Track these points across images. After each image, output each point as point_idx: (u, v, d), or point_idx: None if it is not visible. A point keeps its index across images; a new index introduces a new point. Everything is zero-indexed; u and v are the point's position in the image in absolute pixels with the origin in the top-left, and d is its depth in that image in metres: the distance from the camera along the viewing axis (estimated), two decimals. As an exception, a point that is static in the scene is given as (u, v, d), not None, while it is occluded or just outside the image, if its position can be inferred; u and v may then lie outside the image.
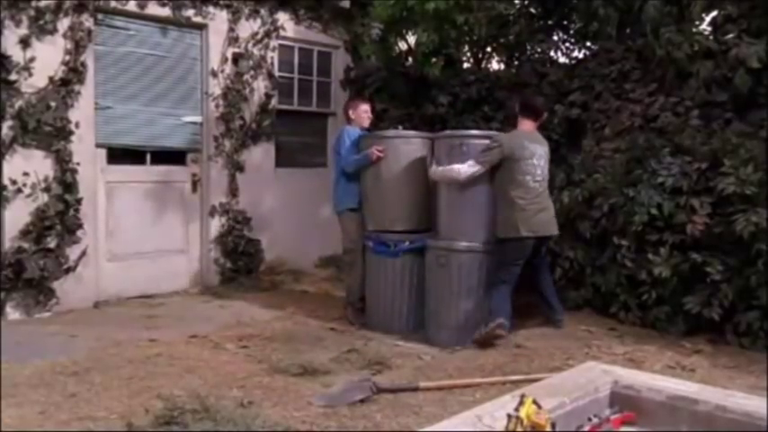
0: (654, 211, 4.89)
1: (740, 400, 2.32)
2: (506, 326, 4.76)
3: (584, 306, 5.59)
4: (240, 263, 6.84)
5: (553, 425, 1.98)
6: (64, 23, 5.53)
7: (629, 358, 4.45)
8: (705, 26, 5.54)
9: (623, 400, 2.44)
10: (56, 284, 5.55)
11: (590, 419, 2.19)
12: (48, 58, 5.44)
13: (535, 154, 4.88)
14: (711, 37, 5.30)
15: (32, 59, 5.35)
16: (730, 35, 5.15)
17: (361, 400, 3.65)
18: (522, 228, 4.79)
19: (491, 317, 4.76)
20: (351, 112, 5.76)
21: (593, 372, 2.60)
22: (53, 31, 5.47)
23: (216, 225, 6.73)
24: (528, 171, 4.84)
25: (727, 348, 4.65)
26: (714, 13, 5.47)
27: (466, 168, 4.82)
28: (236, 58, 6.73)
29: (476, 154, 4.83)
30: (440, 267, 4.96)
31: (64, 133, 5.55)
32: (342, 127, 5.99)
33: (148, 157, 6.33)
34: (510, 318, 4.85)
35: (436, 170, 5.02)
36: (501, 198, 4.88)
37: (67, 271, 5.62)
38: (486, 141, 4.90)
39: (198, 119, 6.61)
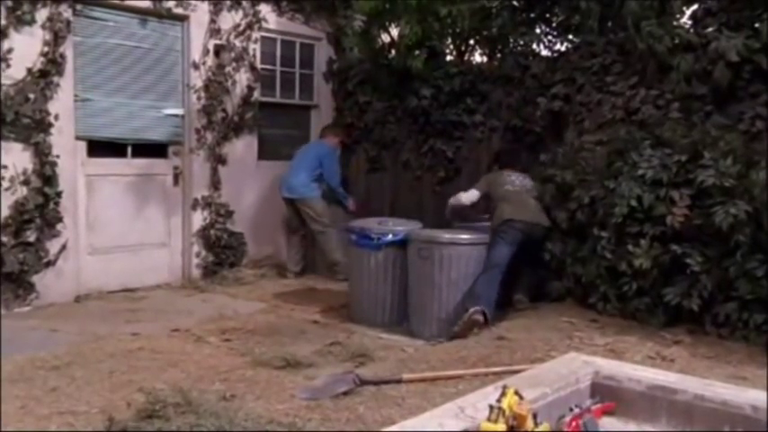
0: (634, 203, 4.93)
1: (718, 390, 2.36)
2: (484, 311, 4.81)
3: (567, 297, 5.62)
4: (223, 256, 6.82)
5: (535, 415, 2.00)
6: (42, 14, 5.45)
7: (610, 349, 4.49)
8: (686, 20, 5.57)
9: (604, 391, 2.47)
10: (35, 278, 5.50)
11: (571, 410, 2.21)
12: (26, 49, 5.36)
13: (510, 177, 5.55)
14: (692, 30, 5.34)
15: (10, 50, 5.27)
16: (710, 29, 5.19)
17: (345, 393, 3.66)
18: (507, 214, 5.18)
19: (473, 300, 4.84)
20: (332, 139, 7.14)
21: (574, 363, 2.62)
22: (31, 22, 5.39)
23: (198, 218, 6.70)
24: (506, 183, 5.50)
25: (707, 339, 4.70)
26: (694, 7, 5.50)
27: (467, 195, 5.55)
28: (218, 50, 6.68)
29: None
30: (422, 260, 4.97)
31: (43, 125, 5.48)
32: (334, 148, 7.12)
33: (129, 149, 6.26)
34: (492, 306, 4.92)
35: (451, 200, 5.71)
36: (492, 211, 5.39)
37: (47, 265, 5.57)
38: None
39: (179, 111, 6.56)
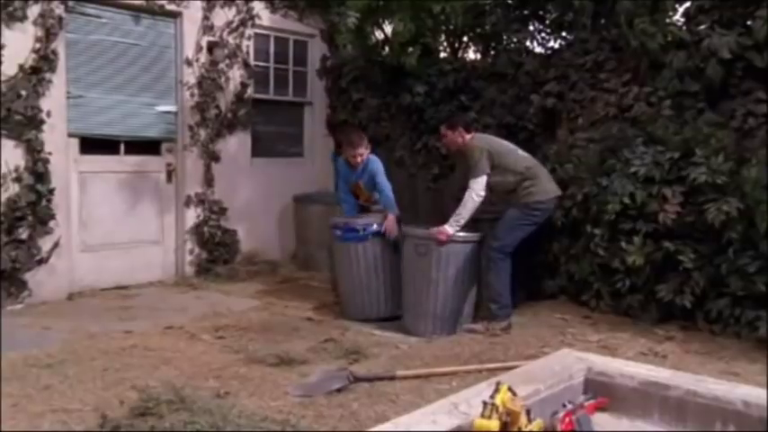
0: (626, 200, 4.95)
1: (710, 385, 2.36)
2: (509, 323, 4.93)
3: (560, 294, 5.64)
4: (216, 253, 6.80)
5: (528, 412, 2.00)
6: (34, 10, 5.42)
7: (603, 345, 4.51)
8: (678, 17, 5.59)
9: (597, 387, 2.47)
10: (28, 276, 5.47)
11: (564, 406, 2.21)
12: (17, 45, 5.33)
13: (504, 142, 5.34)
14: (684, 28, 5.35)
15: (2, 47, 5.24)
16: (703, 26, 5.21)
17: (338, 390, 3.66)
18: (547, 191, 5.06)
19: (496, 302, 4.92)
20: (343, 148, 5.84)
21: (567, 359, 2.63)
22: (23, 18, 5.36)
23: (191, 215, 6.68)
24: (516, 149, 5.24)
25: (699, 335, 4.73)
26: (687, 4, 5.52)
27: (478, 189, 4.92)
28: (211, 47, 6.66)
29: (474, 169, 4.97)
30: (419, 256, 4.96)
31: (35, 122, 5.46)
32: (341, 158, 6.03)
33: (122, 146, 6.24)
34: (510, 303, 4.99)
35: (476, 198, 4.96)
36: (513, 179, 5.02)
37: (40, 262, 5.55)
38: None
39: (172, 108, 6.54)
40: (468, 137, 5.23)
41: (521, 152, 5.23)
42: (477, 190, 4.92)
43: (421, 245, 4.96)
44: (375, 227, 5.24)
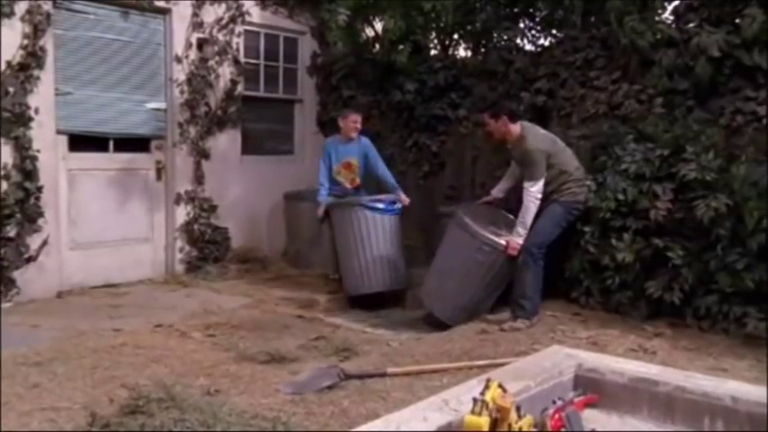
0: (621, 197, 4.97)
1: (699, 381, 2.38)
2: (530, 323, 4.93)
3: (551, 291, 5.65)
4: (206, 251, 6.78)
5: (518, 408, 2.01)
6: (21, 7, 5.39)
7: (593, 342, 4.52)
8: (667, 15, 5.62)
9: (587, 383, 2.49)
10: (16, 274, 5.44)
11: (554, 402, 2.22)
12: (5, 42, 5.30)
13: (557, 139, 5.23)
14: (674, 26, 5.38)
15: (-11, 43, 5.22)
16: (692, 24, 5.24)
17: (329, 387, 3.66)
18: (585, 195, 5.08)
19: (531, 299, 4.95)
20: (340, 121, 6.03)
21: (557, 356, 2.64)
22: (10, 15, 5.32)
23: (181, 213, 6.66)
24: (566, 147, 5.18)
25: (688, 331, 4.76)
26: (676, 3, 5.55)
27: (536, 193, 4.92)
28: (201, 44, 6.64)
29: (532, 171, 4.94)
30: (477, 261, 4.98)
31: (23, 119, 5.42)
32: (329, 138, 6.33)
33: (111, 144, 6.21)
34: (539, 304, 5.07)
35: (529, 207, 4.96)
36: (566, 173, 5.02)
37: (29, 260, 5.51)
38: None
39: (162, 105, 6.51)
40: (514, 127, 5.08)
41: (569, 150, 5.18)
42: (535, 194, 4.92)
43: (485, 251, 4.96)
44: (399, 203, 5.71)
